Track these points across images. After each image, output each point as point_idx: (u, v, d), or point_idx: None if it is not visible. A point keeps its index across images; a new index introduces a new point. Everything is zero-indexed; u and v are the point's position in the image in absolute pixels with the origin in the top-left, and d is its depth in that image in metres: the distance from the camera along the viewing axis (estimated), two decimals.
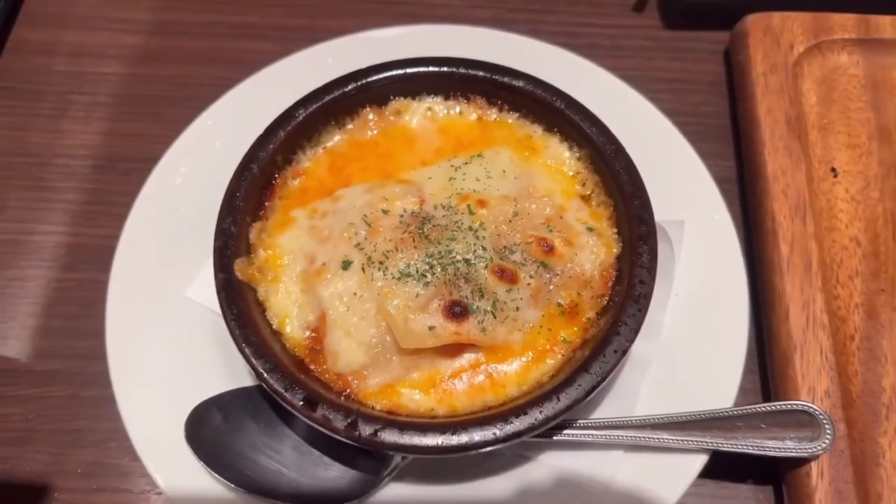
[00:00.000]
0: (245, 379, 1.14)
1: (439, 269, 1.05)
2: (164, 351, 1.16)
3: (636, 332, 1.02)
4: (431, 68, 1.24)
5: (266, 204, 1.17)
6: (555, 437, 1.06)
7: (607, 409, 1.12)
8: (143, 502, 1.14)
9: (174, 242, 1.24)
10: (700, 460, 1.05)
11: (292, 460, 1.08)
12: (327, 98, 1.21)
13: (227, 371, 1.15)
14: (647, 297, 1.04)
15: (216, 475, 1.03)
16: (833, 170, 1.30)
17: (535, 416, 0.97)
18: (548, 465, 1.08)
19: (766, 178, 1.26)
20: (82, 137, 1.45)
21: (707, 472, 1.08)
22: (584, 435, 1.06)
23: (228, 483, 1.02)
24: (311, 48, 1.40)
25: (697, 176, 1.26)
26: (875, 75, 1.39)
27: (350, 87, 1.22)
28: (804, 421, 1.04)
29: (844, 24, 1.40)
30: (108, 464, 1.17)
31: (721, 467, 1.11)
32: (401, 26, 1.43)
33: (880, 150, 1.32)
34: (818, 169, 1.30)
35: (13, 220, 1.37)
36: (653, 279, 1.05)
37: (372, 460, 1.09)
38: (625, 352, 1.01)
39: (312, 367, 1.05)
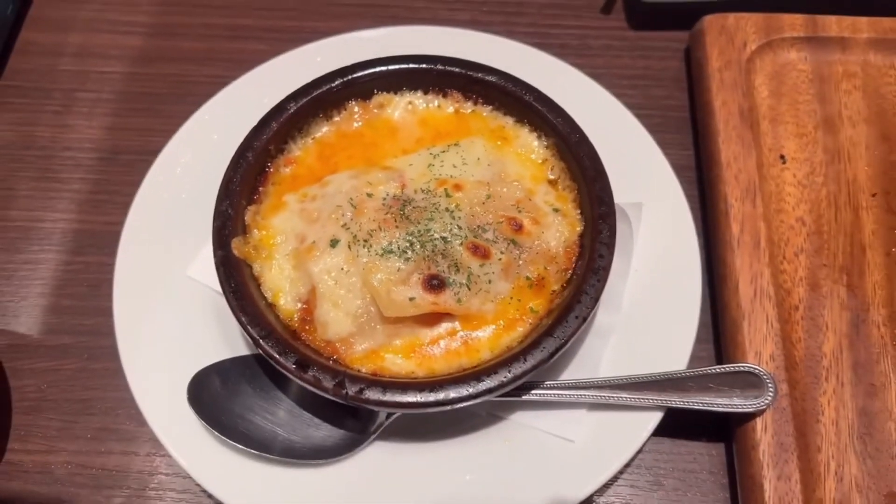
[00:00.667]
0: (242, 349, 1.24)
1: (419, 246, 1.16)
2: (167, 325, 1.26)
3: (596, 300, 1.13)
4: (411, 65, 1.35)
5: (260, 189, 1.27)
6: (524, 397, 1.16)
7: (572, 374, 1.22)
8: (147, 463, 1.24)
9: (175, 226, 1.34)
10: (656, 417, 1.15)
11: (285, 421, 1.18)
12: (316, 92, 1.32)
13: (225, 343, 1.25)
14: (606, 270, 1.15)
15: (217, 433, 1.13)
16: (782, 157, 1.41)
17: (505, 374, 1.08)
18: (518, 424, 1.19)
19: (719, 164, 1.37)
20: (87, 132, 1.55)
21: (664, 430, 1.19)
22: (550, 395, 1.16)
23: (228, 440, 1.12)
24: (300, 48, 1.51)
25: (656, 163, 1.38)
26: (821, 70, 1.50)
27: (337, 82, 1.33)
28: (750, 381, 1.15)
29: (793, 23, 1.52)
30: (115, 429, 1.27)
31: (676, 425, 1.21)
32: (384, 27, 1.54)
33: (825, 139, 1.43)
34: (768, 156, 1.41)
35: (24, 208, 1.47)
36: (611, 254, 1.16)
37: (358, 421, 1.19)
38: (585, 318, 1.12)
39: (303, 335, 1.16)
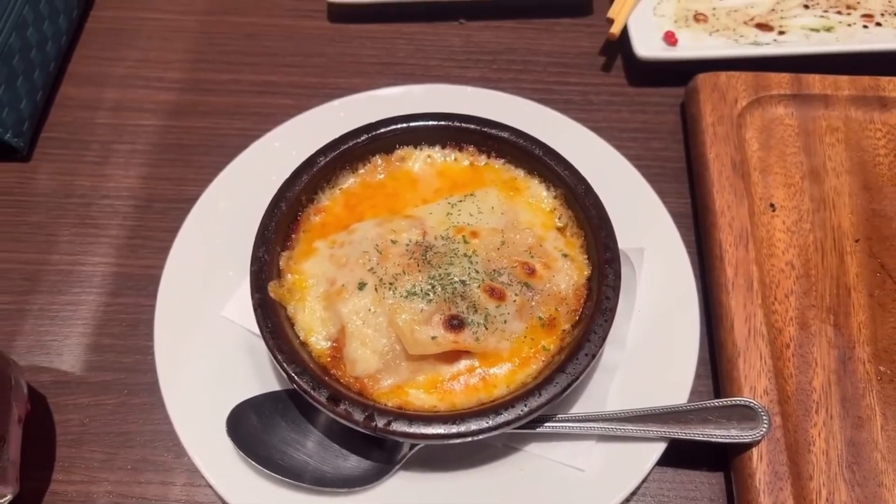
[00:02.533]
0: (274, 385, 1.33)
1: (440, 289, 1.26)
2: (203, 362, 1.35)
3: (604, 339, 1.23)
4: (431, 122, 1.47)
5: (293, 236, 1.38)
6: (538, 429, 1.26)
7: (581, 407, 1.32)
8: (184, 493, 1.32)
9: (211, 270, 1.43)
10: (660, 448, 1.24)
11: (316, 452, 1.27)
12: (343, 147, 1.43)
13: (258, 379, 1.34)
14: (613, 311, 1.25)
15: (253, 463, 1.21)
16: (772, 205, 1.53)
17: (521, 408, 1.17)
18: (532, 454, 1.28)
19: (714, 213, 1.49)
20: (124, 181, 1.66)
21: (667, 460, 1.28)
22: (562, 427, 1.26)
23: (264, 469, 1.21)
24: (325, 104, 1.62)
25: (656, 211, 1.49)
26: (806, 125, 1.63)
27: (363, 138, 1.44)
28: (746, 414, 1.25)
29: (780, 81, 1.65)
30: (153, 461, 1.35)
31: (679, 456, 1.30)
32: (402, 85, 1.66)
33: (811, 189, 1.55)
34: (759, 204, 1.52)
35: (65, 252, 1.56)
36: (617, 296, 1.27)
37: (383, 452, 1.28)
38: (594, 356, 1.22)
39: (334, 371, 1.25)
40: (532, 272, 1.31)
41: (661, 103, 1.77)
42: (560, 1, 1.92)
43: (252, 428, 1.26)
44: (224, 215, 1.49)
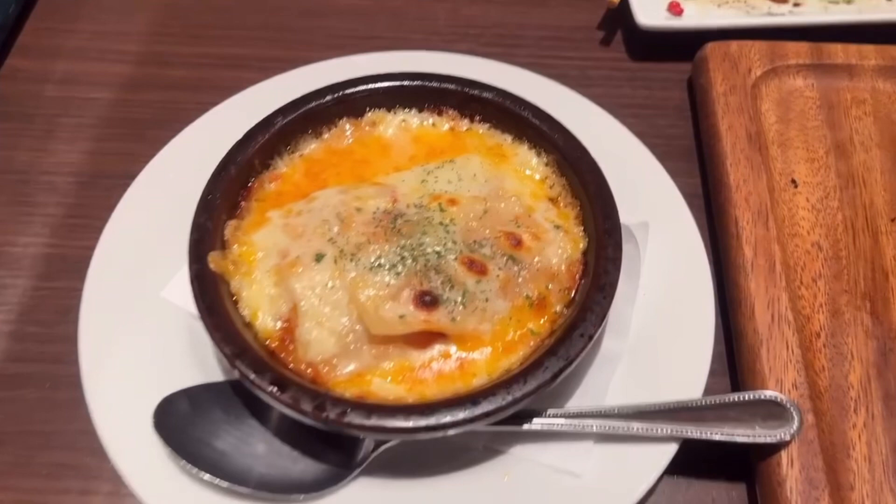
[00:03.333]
0: (217, 376, 1.14)
1: (410, 261, 1.07)
2: (136, 350, 1.16)
3: (602, 318, 1.04)
4: (406, 82, 1.30)
5: (242, 204, 1.19)
6: (524, 427, 1.05)
7: (577, 403, 1.12)
8: (108, 503, 1.12)
9: (152, 248, 1.25)
10: (671, 449, 1.04)
11: (262, 453, 1.07)
12: (305, 108, 1.26)
13: (200, 369, 1.14)
14: (613, 287, 1.07)
15: (185, 462, 1.01)
16: (793, 181, 1.35)
17: (504, 397, 0.97)
18: (519, 457, 1.07)
19: (728, 187, 1.31)
20: (67, 156, 1.49)
21: (678, 468, 1.08)
22: (553, 424, 1.05)
23: (197, 470, 1.01)
24: (291, 71, 1.46)
25: (661, 184, 1.31)
26: (829, 97, 1.46)
27: (328, 98, 1.28)
28: (773, 411, 1.05)
29: (798, 50, 1.48)
30: (75, 465, 1.14)
31: (692, 462, 1.10)
32: (380, 52, 1.50)
33: (837, 164, 1.37)
34: (779, 180, 1.34)
35: None
36: (618, 270, 1.08)
37: (342, 454, 1.07)
38: (591, 337, 1.02)
39: (282, 356, 1.06)
40: (518, 243, 1.12)
41: (667, 79, 1.61)
42: None
43: (185, 421, 1.06)
44: (169, 189, 1.30)
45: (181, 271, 1.20)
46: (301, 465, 1.07)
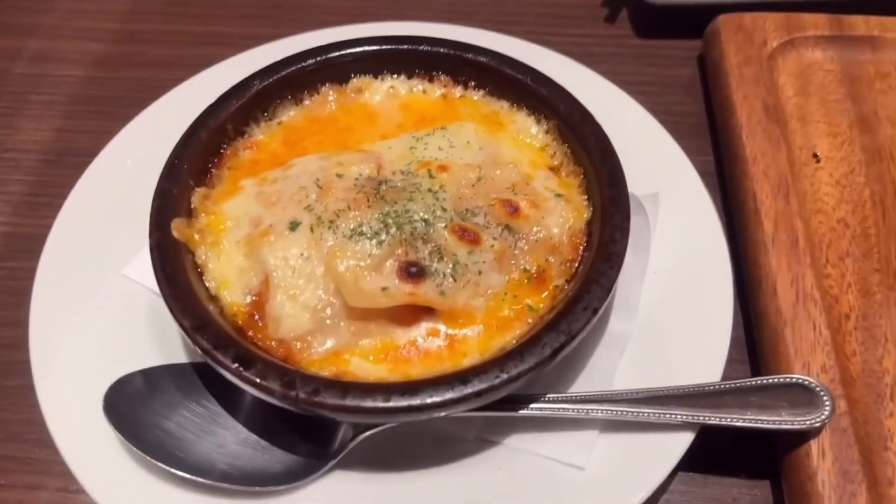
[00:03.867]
0: (181, 359, 1.03)
1: (395, 229, 0.97)
2: (91, 330, 1.05)
3: (608, 291, 0.93)
4: (394, 46, 1.20)
5: (212, 171, 1.09)
6: (521, 412, 0.93)
7: (580, 387, 1.00)
8: (57, 499, 1.00)
9: (113, 225, 1.14)
10: (686, 438, 0.92)
11: (226, 441, 0.95)
12: (285, 72, 1.16)
13: (161, 351, 1.03)
14: (620, 256, 0.95)
15: (137, 449, 0.90)
16: (815, 155, 1.24)
17: (497, 375, 0.86)
18: (514, 448, 0.95)
19: (744, 160, 1.20)
20: (34, 134, 1.39)
21: (693, 464, 0.96)
22: (554, 409, 0.94)
23: (146, 456, 0.89)
24: (267, 44, 1.37)
25: (671, 155, 1.20)
26: (851, 70, 1.35)
27: (309, 63, 1.18)
28: (800, 396, 0.93)
29: (817, 22, 1.39)
30: (22, 458, 1.03)
31: (709, 456, 0.98)
32: (367, 23, 1.40)
33: (862, 138, 1.26)
34: (799, 154, 1.24)
35: None
36: (625, 238, 0.97)
37: (315, 445, 0.96)
38: (596, 310, 0.91)
39: (251, 332, 0.95)
40: (515, 211, 1.01)
41: (675, 56, 1.51)
42: None
43: (138, 405, 0.94)
44: (134, 166, 1.20)
45: (145, 248, 1.10)
46: (270, 456, 0.95)
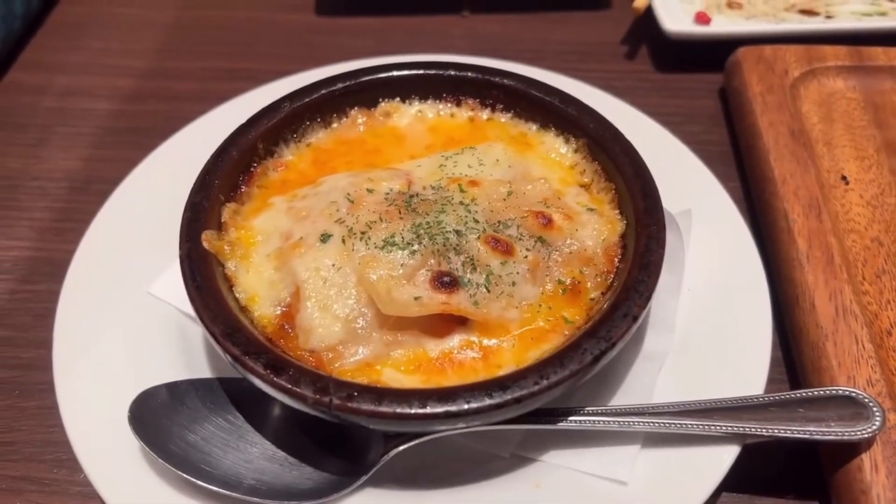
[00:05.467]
0: (206, 375, 1.00)
1: (427, 239, 0.95)
2: (116, 346, 1.03)
3: (647, 298, 0.91)
4: (421, 71, 1.22)
5: (242, 188, 1.09)
6: (559, 425, 0.90)
7: (620, 402, 0.97)
8: None
9: (138, 246, 1.14)
10: (731, 452, 0.89)
11: (253, 457, 0.92)
12: (314, 95, 1.17)
13: (187, 367, 1.02)
14: (657, 266, 0.94)
15: (161, 460, 0.86)
16: (844, 178, 1.23)
17: (536, 381, 0.83)
18: (553, 465, 0.92)
19: (773, 182, 1.20)
20: (61, 163, 1.40)
21: (739, 482, 0.92)
22: (594, 422, 0.90)
23: (172, 468, 0.86)
24: (292, 76, 1.38)
25: (701, 177, 1.20)
26: (874, 99, 1.36)
27: (338, 87, 1.19)
28: (847, 410, 0.89)
29: (837, 53, 1.40)
30: (39, 478, 1.00)
31: (755, 473, 0.95)
32: (387, 56, 1.42)
33: (890, 162, 1.26)
34: (828, 177, 1.23)
35: None
36: (661, 247, 0.96)
37: (345, 461, 0.92)
38: (635, 318, 0.89)
39: (281, 342, 0.93)
40: (549, 222, 1.00)
41: (696, 88, 1.53)
42: None
43: (163, 417, 0.91)
44: (159, 191, 1.19)
45: (171, 267, 1.08)
46: (299, 472, 0.91)
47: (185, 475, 0.86)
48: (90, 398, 0.98)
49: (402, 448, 0.90)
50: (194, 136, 1.29)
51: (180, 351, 1.04)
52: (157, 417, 0.91)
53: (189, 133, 1.31)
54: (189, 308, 0.93)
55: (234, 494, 0.86)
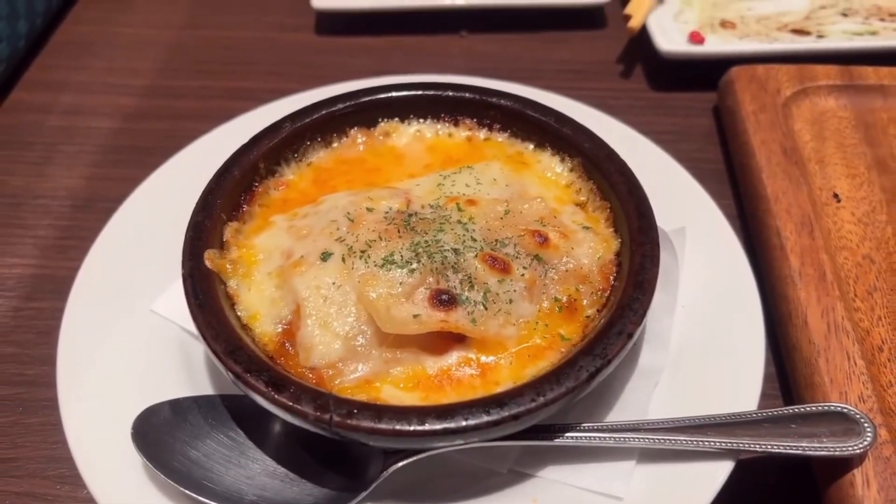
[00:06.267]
0: (208, 392, 1.02)
1: (425, 258, 0.97)
2: (119, 363, 1.04)
3: (642, 316, 0.93)
4: (420, 92, 1.24)
5: (244, 207, 1.11)
6: (556, 441, 0.92)
7: (616, 418, 0.98)
8: None
9: (141, 264, 1.15)
10: (725, 467, 0.90)
11: (255, 473, 0.93)
12: (315, 115, 1.19)
13: (189, 385, 1.02)
14: (652, 283, 0.96)
15: (163, 476, 0.88)
16: (836, 195, 1.25)
17: (533, 398, 0.85)
18: (550, 481, 0.93)
19: (766, 199, 1.22)
20: (64, 181, 1.42)
21: (733, 498, 0.93)
22: (590, 438, 0.92)
23: (175, 484, 0.87)
24: (292, 96, 1.40)
25: (694, 195, 1.22)
26: (865, 117, 1.39)
27: (338, 107, 1.21)
28: (839, 426, 0.91)
29: (828, 72, 1.43)
30: (41, 494, 1.01)
31: (748, 490, 0.96)
32: (387, 76, 1.45)
33: (881, 179, 1.28)
34: (820, 195, 1.25)
35: None
36: (656, 266, 0.97)
37: (345, 477, 0.94)
38: (630, 335, 0.90)
39: (282, 360, 0.94)
40: (545, 241, 1.02)
41: (690, 107, 1.55)
42: (572, 11, 1.75)
43: (166, 433, 0.93)
44: (162, 208, 1.20)
45: (174, 285, 1.10)
46: (300, 488, 0.93)
47: (187, 491, 0.87)
48: (93, 415, 0.99)
49: (401, 464, 0.91)
50: (196, 155, 1.31)
51: (183, 368, 1.05)
52: (160, 434, 0.92)
53: (191, 152, 1.32)
54: (191, 326, 0.94)
55: None
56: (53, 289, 1.24)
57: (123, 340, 1.07)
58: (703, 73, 1.55)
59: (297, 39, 1.74)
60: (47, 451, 1.05)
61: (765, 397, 1.02)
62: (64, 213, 1.37)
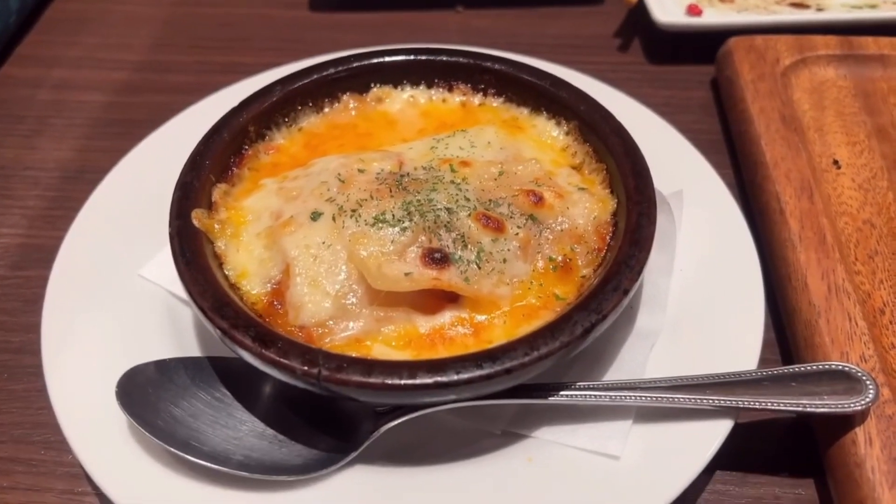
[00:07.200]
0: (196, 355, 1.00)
1: (418, 217, 0.95)
2: (105, 327, 1.02)
3: (638, 272, 0.91)
4: (412, 57, 1.22)
5: (234, 170, 1.09)
6: (551, 400, 0.90)
7: (612, 377, 0.96)
8: (63, 502, 0.95)
9: (129, 231, 1.13)
10: (724, 426, 0.88)
11: (242, 434, 0.91)
12: (306, 80, 1.18)
13: (177, 347, 1.01)
14: (648, 241, 0.94)
15: (149, 435, 0.86)
16: (836, 162, 1.24)
17: (526, 352, 0.83)
18: (544, 441, 0.91)
19: (765, 165, 1.20)
20: (54, 153, 1.40)
21: (732, 459, 0.92)
22: (585, 396, 0.90)
23: (159, 442, 0.85)
24: (284, 66, 1.38)
25: (691, 159, 1.20)
26: (864, 86, 1.37)
27: (330, 72, 1.19)
28: (841, 385, 0.89)
29: (827, 43, 1.41)
30: (26, 460, 0.99)
31: (748, 451, 0.94)
32: (381, 45, 1.43)
33: (881, 147, 1.26)
34: (819, 161, 1.24)
35: None
36: (653, 224, 0.95)
37: (335, 438, 0.92)
38: (626, 291, 0.88)
39: (270, 319, 0.92)
40: (539, 200, 1.00)
41: (688, 79, 1.53)
42: None
43: (152, 392, 0.91)
44: (148, 177, 1.18)
45: (163, 251, 1.08)
46: (288, 449, 0.90)
47: (172, 449, 0.85)
48: (78, 379, 0.97)
49: (392, 424, 0.89)
50: (185, 125, 1.28)
51: (170, 333, 1.03)
52: (145, 393, 0.90)
53: (180, 121, 1.30)
54: (180, 290, 0.93)
55: (222, 469, 0.85)
56: (41, 258, 1.22)
57: (109, 305, 1.05)
58: (701, 47, 1.53)
59: (291, 15, 1.73)
60: (32, 417, 1.03)
61: (764, 361, 1.00)
62: (53, 183, 1.35)
